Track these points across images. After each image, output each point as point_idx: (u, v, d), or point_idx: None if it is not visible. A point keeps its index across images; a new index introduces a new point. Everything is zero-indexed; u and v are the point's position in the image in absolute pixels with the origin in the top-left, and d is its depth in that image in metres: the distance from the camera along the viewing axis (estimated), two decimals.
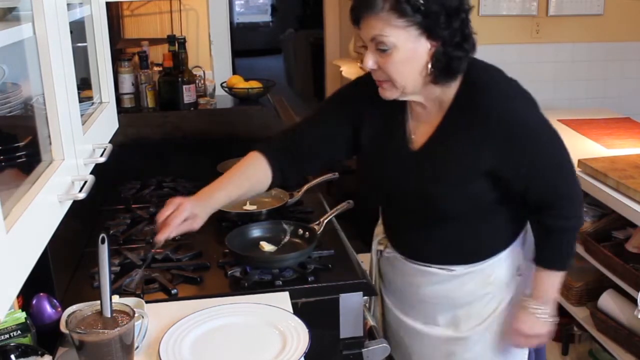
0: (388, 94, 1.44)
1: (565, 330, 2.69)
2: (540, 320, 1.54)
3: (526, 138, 1.41)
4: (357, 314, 1.63)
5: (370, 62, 1.40)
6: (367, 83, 1.52)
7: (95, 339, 1.18)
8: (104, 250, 1.22)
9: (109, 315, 1.22)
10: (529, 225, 1.59)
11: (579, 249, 2.47)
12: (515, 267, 1.58)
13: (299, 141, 1.62)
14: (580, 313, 2.52)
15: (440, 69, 1.38)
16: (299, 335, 1.32)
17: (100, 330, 1.19)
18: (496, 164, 1.42)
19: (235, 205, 2.03)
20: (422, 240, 1.57)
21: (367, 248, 1.80)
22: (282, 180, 1.64)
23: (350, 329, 1.63)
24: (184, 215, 1.47)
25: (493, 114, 1.39)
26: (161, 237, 1.46)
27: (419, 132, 1.51)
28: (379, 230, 1.74)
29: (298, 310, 1.48)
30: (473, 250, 1.55)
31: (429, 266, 1.57)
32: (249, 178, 1.59)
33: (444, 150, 1.46)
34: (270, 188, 1.64)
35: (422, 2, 1.31)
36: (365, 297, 1.66)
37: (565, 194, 1.49)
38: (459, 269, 1.55)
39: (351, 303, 1.62)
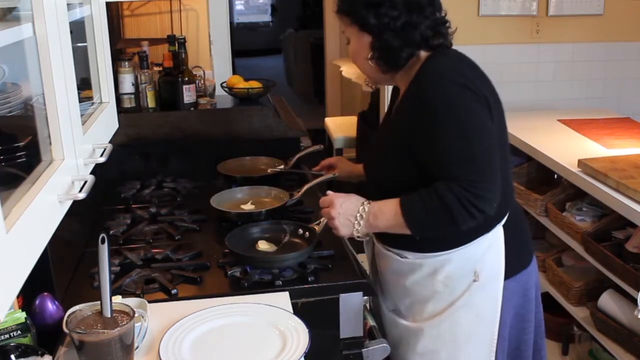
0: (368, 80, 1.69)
1: (565, 330, 2.69)
2: (348, 221, 1.55)
3: (433, 115, 1.43)
4: (357, 314, 1.63)
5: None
6: None
7: (95, 339, 1.18)
8: (104, 250, 1.22)
9: (109, 315, 1.23)
10: (501, 235, 1.55)
11: (579, 249, 2.47)
12: (469, 271, 1.53)
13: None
14: (580, 313, 2.52)
15: (379, 57, 1.52)
16: (299, 335, 1.32)
17: (100, 331, 1.19)
18: (410, 136, 1.49)
19: (234, 204, 2.04)
20: None
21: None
22: None
23: (350, 329, 1.63)
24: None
25: (419, 90, 1.49)
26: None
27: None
28: None
29: (298, 310, 1.47)
30: (416, 238, 1.50)
31: (388, 250, 1.63)
32: None
33: (387, 131, 1.65)
34: None
35: (340, 2, 1.54)
36: (365, 297, 1.66)
37: (453, 174, 1.41)
38: (409, 256, 1.58)
39: (351, 303, 1.62)
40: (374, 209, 1.53)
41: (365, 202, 1.55)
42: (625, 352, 2.26)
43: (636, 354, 2.22)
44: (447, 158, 1.43)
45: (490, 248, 1.55)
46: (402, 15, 1.47)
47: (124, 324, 1.20)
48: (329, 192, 1.63)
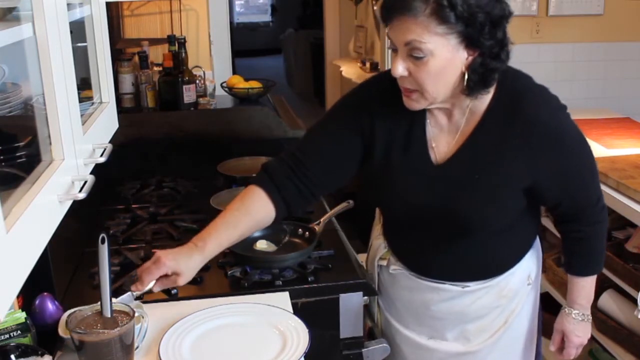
0: (415, 104, 1.33)
1: None
2: (587, 324, 1.58)
3: (568, 147, 1.37)
4: (357, 314, 1.63)
5: (400, 68, 1.27)
6: (373, 90, 1.45)
7: (95, 339, 1.18)
8: (104, 250, 1.22)
9: (109, 315, 1.22)
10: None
11: None
12: (526, 277, 1.55)
13: (304, 167, 1.46)
14: None
15: (476, 81, 1.28)
16: (299, 335, 1.32)
17: (100, 330, 1.19)
18: (534, 173, 1.35)
19: None
20: (437, 256, 1.50)
21: (367, 248, 1.80)
22: (287, 213, 1.49)
23: (350, 329, 1.63)
24: (161, 271, 1.34)
25: (538, 122, 1.32)
26: (136, 290, 1.34)
27: (441, 143, 1.41)
28: (379, 244, 1.64)
29: (298, 310, 1.47)
30: (490, 266, 1.50)
31: (442, 283, 1.51)
32: (247, 216, 1.44)
33: (474, 163, 1.36)
34: (274, 223, 1.50)
35: (467, 10, 1.20)
36: (365, 297, 1.66)
37: (597, 199, 1.46)
38: (473, 285, 1.50)
39: (351, 303, 1.62)
40: (582, 303, 1.57)
41: (578, 315, 1.57)
42: (625, 352, 2.26)
43: (636, 354, 2.22)
44: (591, 189, 1.46)
45: (537, 250, 1.59)
46: (503, 33, 1.28)
47: (124, 324, 1.20)
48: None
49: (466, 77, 1.27)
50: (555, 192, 1.41)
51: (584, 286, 1.55)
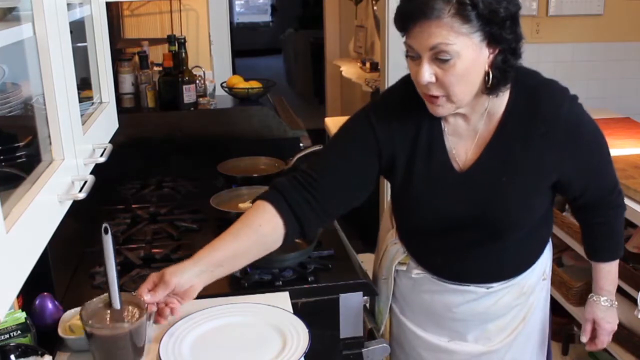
0: (441, 110, 1.31)
1: (565, 330, 2.69)
2: (615, 310, 1.59)
3: (589, 137, 1.40)
4: (357, 314, 1.63)
5: (426, 74, 1.24)
6: (382, 106, 1.44)
7: (106, 333, 1.20)
8: (108, 240, 1.21)
9: (119, 307, 1.24)
10: None
11: (579, 249, 2.47)
12: (542, 272, 1.57)
13: (314, 182, 1.38)
14: (580, 313, 2.50)
15: (499, 78, 1.28)
16: (299, 335, 1.32)
17: (115, 324, 1.21)
18: (561, 168, 1.36)
19: (234, 204, 2.04)
20: (464, 261, 1.49)
21: (367, 248, 1.80)
22: (300, 231, 1.39)
23: (350, 329, 1.63)
24: (166, 289, 1.28)
25: (560, 118, 1.33)
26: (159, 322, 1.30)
27: (462, 149, 1.40)
28: (396, 250, 1.59)
29: (298, 310, 1.47)
30: (514, 265, 1.51)
31: (467, 285, 1.50)
32: (250, 229, 1.35)
33: (500, 166, 1.35)
34: (287, 241, 1.39)
35: (488, 6, 1.20)
36: (365, 297, 1.66)
37: (614, 184, 1.49)
38: (497, 285, 1.50)
39: (351, 303, 1.62)
40: (608, 289, 1.59)
41: (606, 301, 1.59)
42: (625, 352, 2.26)
43: (636, 354, 2.22)
44: (610, 176, 1.48)
45: (550, 244, 1.60)
46: (519, 28, 1.30)
47: (136, 318, 1.22)
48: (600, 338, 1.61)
49: (490, 75, 1.27)
50: (581, 183, 1.43)
51: (610, 271, 1.57)
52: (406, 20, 1.25)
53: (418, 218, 1.47)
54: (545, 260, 1.58)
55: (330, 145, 1.48)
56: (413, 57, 1.28)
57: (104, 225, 1.22)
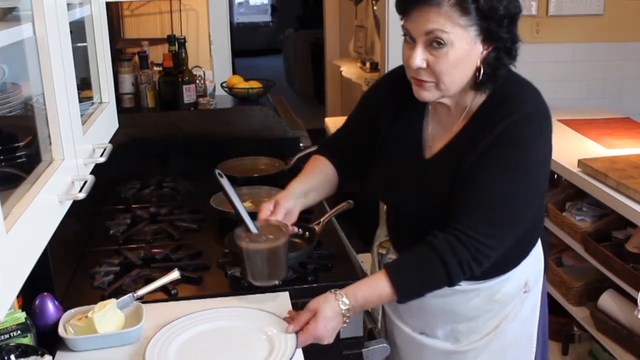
0: (427, 94, 1.34)
1: (565, 330, 2.69)
2: (342, 321, 1.35)
3: (508, 161, 1.31)
4: (357, 314, 1.63)
5: (418, 59, 1.28)
6: (388, 83, 1.53)
7: (266, 246, 1.41)
8: (225, 181, 1.43)
9: (256, 231, 1.43)
10: (539, 240, 1.55)
11: (579, 249, 2.47)
12: (522, 284, 1.52)
13: (346, 143, 1.62)
14: (580, 313, 2.52)
15: (489, 74, 1.31)
16: (286, 341, 1.32)
17: (270, 236, 1.43)
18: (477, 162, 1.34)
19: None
20: None
21: (367, 248, 1.80)
22: (345, 177, 1.63)
23: (350, 329, 1.63)
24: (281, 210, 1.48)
25: (502, 123, 1.31)
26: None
27: (437, 138, 1.44)
28: (381, 232, 1.68)
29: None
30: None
31: None
32: (321, 165, 1.62)
33: (454, 160, 1.37)
34: (338, 188, 1.64)
35: (489, 2, 1.23)
36: None
37: (487, 229, 1.31)
38: (464, 284, 1.45)
39: None
40: (359, 302, 1.36)
41: (340, 301, 1.35)
42: (625, 352, 2.26)
43: (636, 354, 2.22)
44: (490, 216, 1.37)
45: (537, 257, 1.54)
46: (517, 29, 1.33)
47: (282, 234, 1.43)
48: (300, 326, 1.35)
49: (482, 70, 1.30)
50: (459, 177, 1.35)
51: (378, 286, 1.36)
52: (406, 4, 1.29)
53: (384, 196, 1.59)
54: (527, 271, 1.51)
55: (349, 116, 1.67)
56: (408, 41, 1.32)
57: (216, 171, 1.43)
